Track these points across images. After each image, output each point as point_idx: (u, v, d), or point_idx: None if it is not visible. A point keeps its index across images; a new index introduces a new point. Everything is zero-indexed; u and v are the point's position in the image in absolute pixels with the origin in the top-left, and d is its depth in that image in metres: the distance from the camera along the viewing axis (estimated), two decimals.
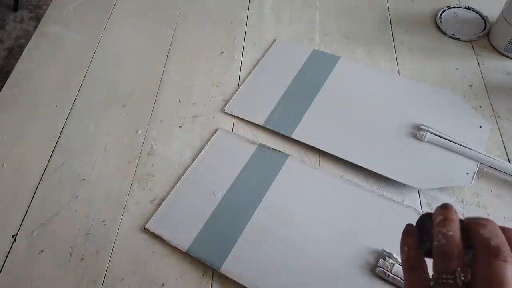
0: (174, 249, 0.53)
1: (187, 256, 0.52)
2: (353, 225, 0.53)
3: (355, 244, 0.51)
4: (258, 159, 0.59)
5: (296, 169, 0.58)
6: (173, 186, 0.58)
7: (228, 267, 0.50)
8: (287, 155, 0.59)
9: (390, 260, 0.49)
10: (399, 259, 0.49)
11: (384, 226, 0.53)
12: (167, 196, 0.57)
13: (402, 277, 0.48)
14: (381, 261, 0.49)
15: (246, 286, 0.49)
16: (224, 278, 0.51)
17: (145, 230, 0.54)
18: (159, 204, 0.56)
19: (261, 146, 0.61)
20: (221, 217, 0.54)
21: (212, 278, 0.51)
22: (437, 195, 0.56)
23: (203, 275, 0.51)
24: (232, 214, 0.55)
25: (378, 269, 0.49)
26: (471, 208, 0.55)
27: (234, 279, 0.49)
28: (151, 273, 0.52)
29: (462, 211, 0.55)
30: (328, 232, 0.53)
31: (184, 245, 0.52)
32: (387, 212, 0.54)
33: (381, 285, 0.48)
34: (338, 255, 0.51)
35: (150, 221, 0.55)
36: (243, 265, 0.50)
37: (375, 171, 0.57)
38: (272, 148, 0.60)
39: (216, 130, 0.63)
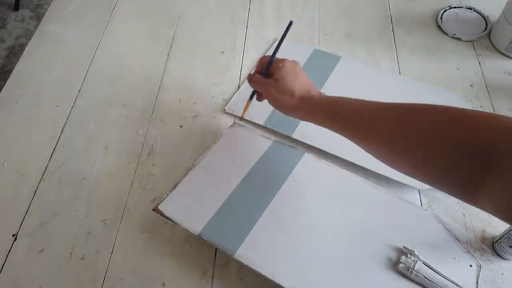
0: (175, 249, 0.53)
1: (187, 256, 0.53)
2: (372, 222, 0.53)
3: (375, 240, 0.51)
4: (274, 152, 0.60)
5: (314, 166, 0.58)
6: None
7: (243, 253, 0.50)
8: (303, 152, 0.60)
9: (413, 257, 0.49)
10: (421, 257, 0.49)
11: (404, 224, 0.53)
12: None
13: (425, 275, 0.48)
14: (403, 257, 0.49)
15: (262, 273, 0.48)
16: (224, 278, 0.51)
17: (155, 211, 0.54)
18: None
19: (277, 141, 0.61)
20: (235, 204, 0.54)
21: (212, 278, 0.51)
22: (437, 195, 0.56)
23: (203, 275, 0.51)
24: (247, 202, 0.54)
25: (400, 266, 0.49)
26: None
27: (249, 266, 0.49)
28: (152, 272, 0.52)
29: (463, 211, 0.55)
30: (347, 228, 0.53)
31: (196, 229, 0.52)
32: (405, 213, 0.54)
33: (402, 281, 0.48)
34: (358, 249, 0.51)
35: (161, 203, 0.54)
36: (259, 253, 0.50)
37: (375, 170, 0.57)
38: (289, 145, 0.61)
39: (228, 125, 0.64)
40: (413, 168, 0.39)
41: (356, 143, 0.46)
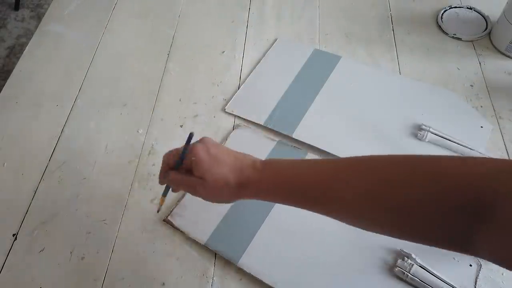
0: (175, 248, 0.53)
1: (187, 255, 0.53)
2: None
3: (373, 244, 0.51)
4: (277, 153, 0.60)
5: None
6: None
7: (246, 262, 0.50)
8: (306, 152, 0.60)
9: (409, 261, 0.49)
10: (418, 260, 0.49)
11: None
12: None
13: (421, 278, 0.48)
14: (399, 261, 0.49)
15: (263, 280, 0.49)
16: (224, 278, 0.51)
17: (165, 222, 0.54)
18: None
19: (280, 142, 0.61)
20: (239, 211, 0.55)
21: (213, 277, 0.51)
22: None
23: (203, 275, 0.51)
24: (250, 209, 0.55)
25: (396, 269, 0.49)
26: None
27: (252, 274, 0.50)
28: (152, 272, 0.52)
29: None
30: (346, 231, 0.52)
31: (203, 238, 0.53)
32: None
33: (399, 285, 0.48)
34: (356, 254, 0.51)
35: (170, 214, 0.55)
36: (261, 260, 0.51)
37: None
38: (292, 145, 0.61)
39: (233, 127, 0.64)
40: (397, 233, 0.35)
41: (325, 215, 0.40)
